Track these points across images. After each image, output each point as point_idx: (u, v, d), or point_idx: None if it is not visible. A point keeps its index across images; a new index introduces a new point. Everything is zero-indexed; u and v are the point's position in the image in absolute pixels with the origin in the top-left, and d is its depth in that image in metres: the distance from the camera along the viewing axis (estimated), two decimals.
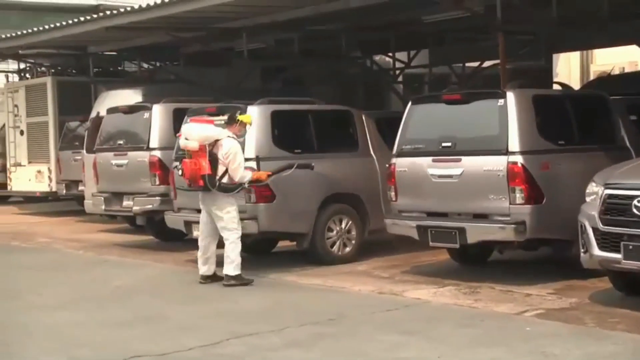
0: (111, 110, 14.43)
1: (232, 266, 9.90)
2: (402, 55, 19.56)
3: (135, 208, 13.36)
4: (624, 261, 7.75)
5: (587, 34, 15.86)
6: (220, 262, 10.06)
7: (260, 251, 12.22)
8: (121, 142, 13.90)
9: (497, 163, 9.29)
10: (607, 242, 7.89)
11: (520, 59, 17.05)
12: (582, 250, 8.25)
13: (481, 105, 9.80)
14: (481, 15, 13.09)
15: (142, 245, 14.03)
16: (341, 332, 7.67)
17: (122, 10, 15.67)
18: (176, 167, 10.59)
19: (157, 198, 13.02)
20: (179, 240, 13.03)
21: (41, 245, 14.54)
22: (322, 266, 11.04)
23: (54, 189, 19.51)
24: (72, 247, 14.08)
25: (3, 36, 18.99)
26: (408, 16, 15.29)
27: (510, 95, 9.40)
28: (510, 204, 9.18)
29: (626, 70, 23.73)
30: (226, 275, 9.93)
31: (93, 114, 16.62)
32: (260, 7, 14.55)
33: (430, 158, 9.91)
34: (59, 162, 19.06)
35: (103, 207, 14.11)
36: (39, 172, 19.96)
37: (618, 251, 7.77)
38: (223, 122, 10.36)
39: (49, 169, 19.61)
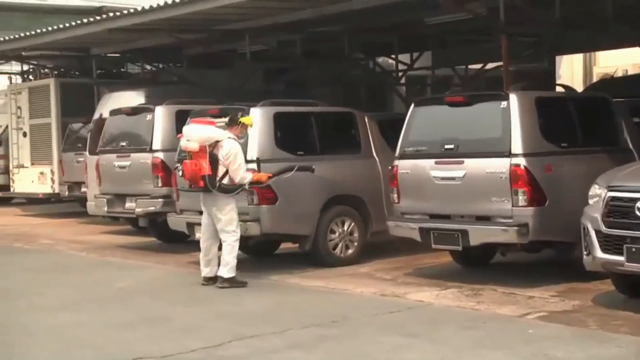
0: (114, 112, 14.42)
1: (227, 268, 9.91)
2: (404, 57, 19.57)
3: (138, 210, 13.35)
4: (627, 264, 7.75)
5: (590, 36, 15.84)
6: None
7: (262, 253, 12.22)
8: (124, 143, 13.90)
9: (499, 165, 9.27)
10: (610, 244, 7.88)
11: (523, 61, 17.06)
12: (585, 252, 8.24)
13: (484, 107, 9.78)
14: (484, 17, 13.08)
15: (145, 247, 14.03)
16: (343, 334, 7.66)
17: (125, 12, 15.67)
18: (177, 168, 10.60)
19: (159, 200, 13.01)
20: (182, 242, 13.05)
21: (44, 247, 14.54)
22: (325, 268, 11.03)
23: (56, 191, 19.53)
24: (74, 249, 14.09)
25: (6, 38, 19.01)
26: (411, 18, 15.29)
27: (513, 98, 9.39)
28: (513, 206, 9.17)
29: (629, 73, 23.72)
30: (220, 277, 9.95)
31: (96, 116, 16.65)
32: (262, 9, 14.55)
33: (433, 160, 9.90)
34: (61, 164, 19.07)
35: (106, 208, 14.11)
36: (41, 173, 19.97)
37: (621, 253, 7.76)
38: (224, 123, 10.36)
39: (51, 170, 19.62)
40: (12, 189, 21.33)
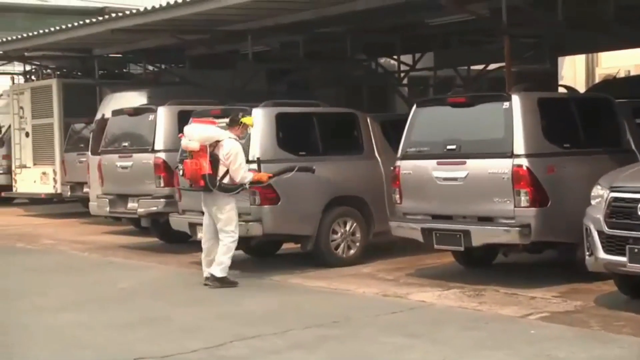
0: (116, 113, 14.43)
1: (220, 268, 9.92)
2: (407, 58, 19.56)
3: (140, 210, 13.36)
4: (629, 264, 7.74)
5: (592, 37, 15.83)
6: None
7: (264, 253, 12.22)
8: (126, 144, 13.91)
9: (502, 166, 9.26)
10: (613, 245, 7.87)
11: (526, 62, 17.04)
12: (587, 253, 8.23)
13: (486, 108, 9.78)
14: (487, 18, 13.07)
15: (147, 247, 14.03)
16: (345, 334, 7.66)
17: (127, 12, 15.69)
18: (177, 167, 10.60)
19: (161, 200, 13.02)
20: (184, 242, 13.04)
21: (46, 247, 14.55)
22: (327, 268, 11.02)
23: (58, 191, 19.54)
24: (76, 249, 14.09)
25: (9, 38, 19.03)
26: (413, 19, 15.29)
27: (516, 98, 9.38)
28: (515, 206, 9.16)
29: (632, 73, 23.71)
30: (212, 275, 9.95)
31: (98, 116, 16.64)
32: (265, 10, 14.55)
33: (435, 161, 9.90)
34: (64, 164, 19.08)
35: (108, 209, 14.11)
36: (44, 173, 19.99)
37: (623, 254, 7.75)
38: (225, 124, 10.36)
39: (54, 170, 19.63)
40: (14, 189, 21.34)
